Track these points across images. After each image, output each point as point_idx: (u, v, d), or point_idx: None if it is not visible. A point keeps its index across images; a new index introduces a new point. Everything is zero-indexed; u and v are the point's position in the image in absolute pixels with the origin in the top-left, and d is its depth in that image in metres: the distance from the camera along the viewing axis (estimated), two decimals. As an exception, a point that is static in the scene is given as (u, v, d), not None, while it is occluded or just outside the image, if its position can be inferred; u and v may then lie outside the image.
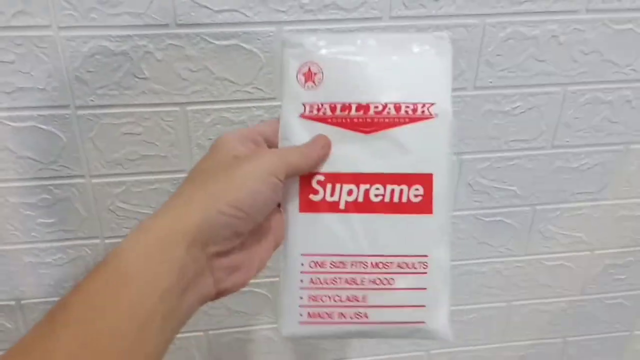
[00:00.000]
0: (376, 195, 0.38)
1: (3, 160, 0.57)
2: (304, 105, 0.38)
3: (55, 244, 0.63)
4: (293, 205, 0.39)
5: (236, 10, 0.53)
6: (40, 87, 0.54)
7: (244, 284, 0.37)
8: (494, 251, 0.72)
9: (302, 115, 0.38)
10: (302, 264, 0.39)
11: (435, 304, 0.39)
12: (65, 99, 0.55)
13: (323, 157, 0.38)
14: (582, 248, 0.74)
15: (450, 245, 0.39)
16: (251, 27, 0.54)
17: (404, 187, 0.38)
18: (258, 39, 0.55)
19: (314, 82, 0.38)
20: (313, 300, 0.39)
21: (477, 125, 0.63)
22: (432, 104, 0.38)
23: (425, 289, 0.39)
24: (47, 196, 0.60)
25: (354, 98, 0.38)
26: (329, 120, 0.38)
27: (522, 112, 0.63)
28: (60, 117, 0.56)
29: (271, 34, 0.55)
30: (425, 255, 0.39)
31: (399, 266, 0.39)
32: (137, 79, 0.55)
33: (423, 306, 0.39)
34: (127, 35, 0.53)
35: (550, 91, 0.62)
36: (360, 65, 0.38)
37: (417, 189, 0.38)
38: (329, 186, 0.38)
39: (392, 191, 0.38)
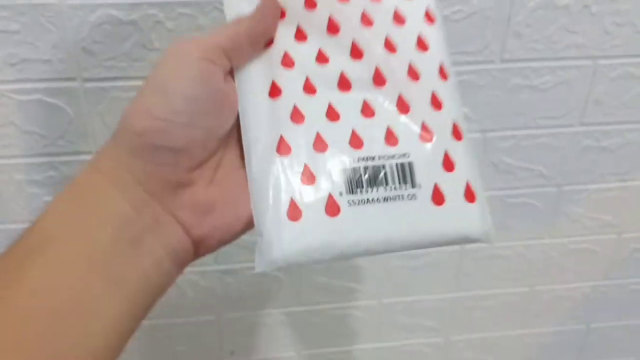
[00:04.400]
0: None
1: (8, 136, 0.55)
2: None
3: (62, 224, 0.61)
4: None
5: (251, -23, 0.51)
6: (46, 58, 0.52)
7: (235, 229, 0.28)
8: (517, 234, 0.69)
9: None
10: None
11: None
12: (72, 71, 0.53)
13: (274, 18, 0.30)
14: (609, 231, 0.71)
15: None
16: (267, -5, 0.52)
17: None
18: (274, 8, 0.52)
19: None
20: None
21: (503, 100, 0.60)
22: None
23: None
24: (54, 173, 0.57)
25: None
26: None
27: (551, 86, 0.60)
28: (67, 90, 0.53)
29: (288, 2, 0.52)
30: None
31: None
32: (146, 50, 0.53)
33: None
34: (136, 3, 0.50)
35: (580, 65, 0.59)
36: None
37: None
38: None
39: None
